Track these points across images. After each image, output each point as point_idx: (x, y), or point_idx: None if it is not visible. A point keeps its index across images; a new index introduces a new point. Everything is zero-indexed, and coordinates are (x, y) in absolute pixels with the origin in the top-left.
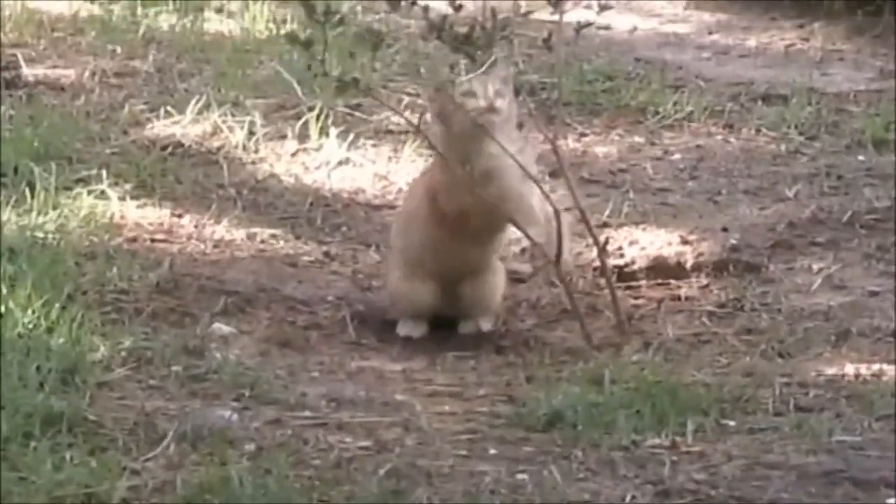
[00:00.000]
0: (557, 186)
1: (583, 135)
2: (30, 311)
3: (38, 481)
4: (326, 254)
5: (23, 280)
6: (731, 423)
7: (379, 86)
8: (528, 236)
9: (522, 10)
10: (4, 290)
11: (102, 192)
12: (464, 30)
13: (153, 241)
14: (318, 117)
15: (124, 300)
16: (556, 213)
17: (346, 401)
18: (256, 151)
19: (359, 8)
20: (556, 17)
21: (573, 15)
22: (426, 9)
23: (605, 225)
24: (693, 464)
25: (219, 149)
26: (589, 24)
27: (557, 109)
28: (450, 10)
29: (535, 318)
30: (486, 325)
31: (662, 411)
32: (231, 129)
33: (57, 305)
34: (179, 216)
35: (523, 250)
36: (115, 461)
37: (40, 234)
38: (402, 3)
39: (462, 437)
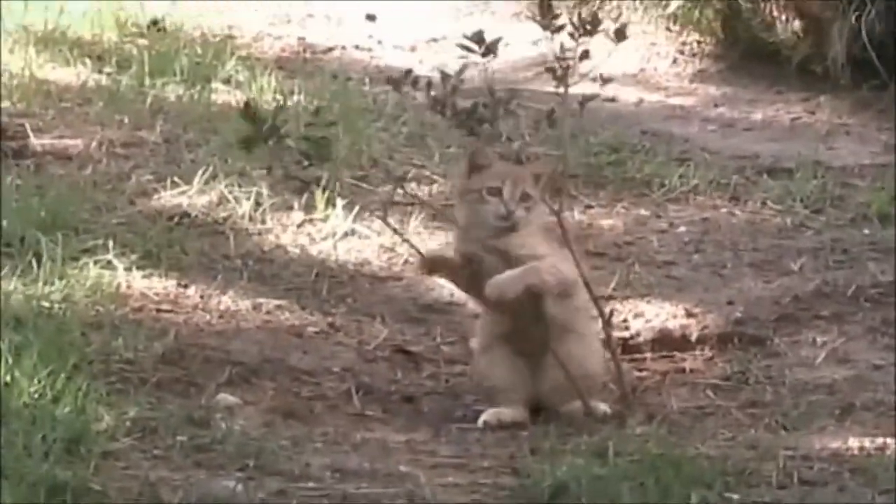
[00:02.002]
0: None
1: (588, 207)
2: (35, 381)
3: None
4: (331, 325)
5: (28, 349)
6: (735, 496)
7: (385, 157)
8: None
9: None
10: (10, 360)
11: (109, 262)
12: (467, 104)
13: (159, 311)
14: (323, 189)
15: (129, 370)
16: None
17: (351, 472)
18: (263, 222)
19: (367, 80)
20: (561, 90)
21: (579, 88)
22: (429, 84)
23: (611, 297)
24: None
25: (225, 219)
26: (594, 97)
27: (563, 182)
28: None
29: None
30: (599, 405)
31: (667, 484)
32: (237, 200)
33: (62, 375)
34: (185, 286)
35: None
36: None
37: (46, 304)
38: (405, 86)
39: None
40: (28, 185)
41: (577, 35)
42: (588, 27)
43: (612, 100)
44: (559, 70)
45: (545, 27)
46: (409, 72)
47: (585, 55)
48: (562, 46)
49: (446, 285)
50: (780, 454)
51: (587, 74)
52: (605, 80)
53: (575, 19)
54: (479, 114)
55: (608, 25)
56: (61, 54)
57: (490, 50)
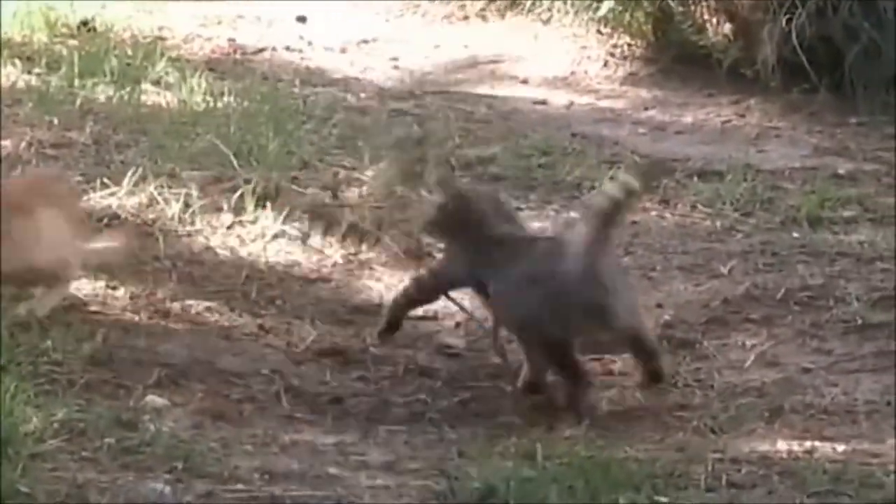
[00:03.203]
0: None
1: (518, 209)
2: None
3: None
4: (261, 326)
5: None
6: (664, 499)
7: (315, 159)
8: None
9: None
10: None
11: None
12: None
13: (88, 312)
14: (253, 190)
15: (58, 371)
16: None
17: (280, 474)
18: (192, 224)
19: (297, 81)
20: (492, 92)
21: (509, 90)
22: None
23: None
24: None
25: (154, 221)
26: (520, 99)
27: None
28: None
29: (468, 391)
30: None
31: (595, 487)
32: (167, 201)
33: None
34: (114, 288)
35: (457, 324)
36: None
37: None
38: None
39: None
40: None
41: None
42: None
43: (543, 102)
44: None
45: None
46: None
47: None
48: None
49: (375, 287)
50: (708, 457)
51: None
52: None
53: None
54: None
55: (538, 28)
56: None
57: None
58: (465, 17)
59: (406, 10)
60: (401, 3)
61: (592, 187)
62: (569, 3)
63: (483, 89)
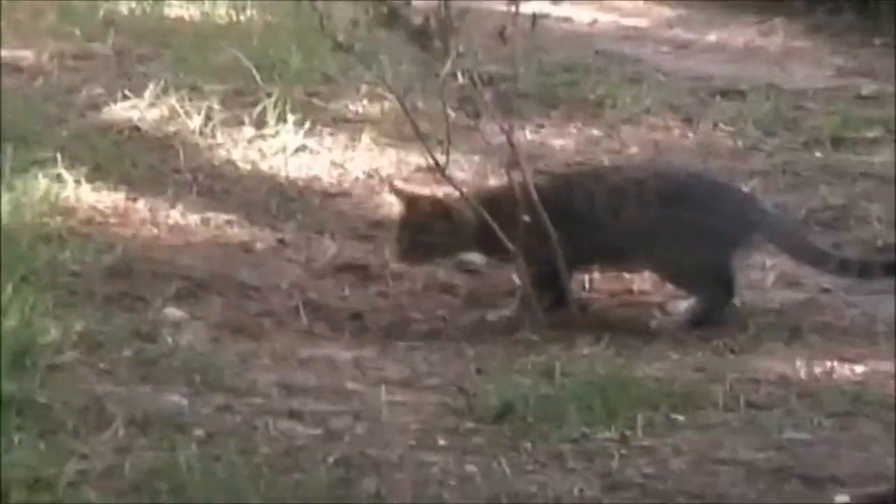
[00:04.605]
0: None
1: (540, 126)
2: None
3: None
4: (281, 241)
5: None
6: (681, 417)
7: (337, 75)
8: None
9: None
10: None
11: (58, 175)
12: (418, 21)
13: (107, 224)
14: (275, 104)
15: (77, 284)
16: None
17: (298, 388)
18: (213, 137)
19: None
20: (513, 9)
21: (534, 6)
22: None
23: None
24: (642, 458)
25: (175, 133)
26: (545, 16)
27: (513, 101)
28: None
29: (487, 308)
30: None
31: (612, 405)
32: (188, 114)
33: (10, 287)
34: (134, 200)
35: None
36: (64, 444)
37: None
38: None
39: (412, 427)
40: None
41: None
42: None
43: (567, 19)
44: None
45: None
46: None
47: None
48: None
49: (395, 203)
50: (727, 377)
51: None
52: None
53: None
54: (430, 31)
55: None
56: None
57: None
58: None
59: None
60: None
61: (615, 105)
62: None
63: (504, 5)
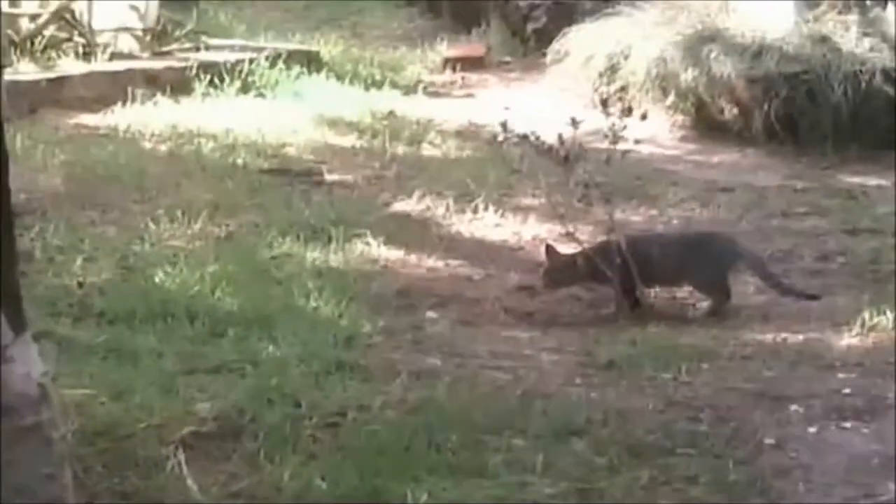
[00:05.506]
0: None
1: (623, 210)
2: None
3: None
4: (489, 274)
5: None
6: (705, 365)
7: (514, 183)
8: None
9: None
10: None
11: (367, 242)
12: (563, 152)
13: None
14: (484, 202)
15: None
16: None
17: (500, 353)
18: (451, 219)
19: None
20: (610, 146)
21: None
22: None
23: None
24: (685, 388)
25: (431, 216)
26: (629, 151)
27: (611, 197)
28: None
29: (599, 308)
30: None
31: (667, 358)
32: (436, 207)
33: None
34: (408, 254)
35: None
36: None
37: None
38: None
39: (560, 372)
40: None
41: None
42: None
43: (637, 150)
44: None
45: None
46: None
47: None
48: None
49: (545, 254)
50: (729, 342)
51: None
52: (638, 141)
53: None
54: (566, 157)
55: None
56: None
57: None
58: None
59: None
60: None
61: (664, 197)
62: (649, 95)
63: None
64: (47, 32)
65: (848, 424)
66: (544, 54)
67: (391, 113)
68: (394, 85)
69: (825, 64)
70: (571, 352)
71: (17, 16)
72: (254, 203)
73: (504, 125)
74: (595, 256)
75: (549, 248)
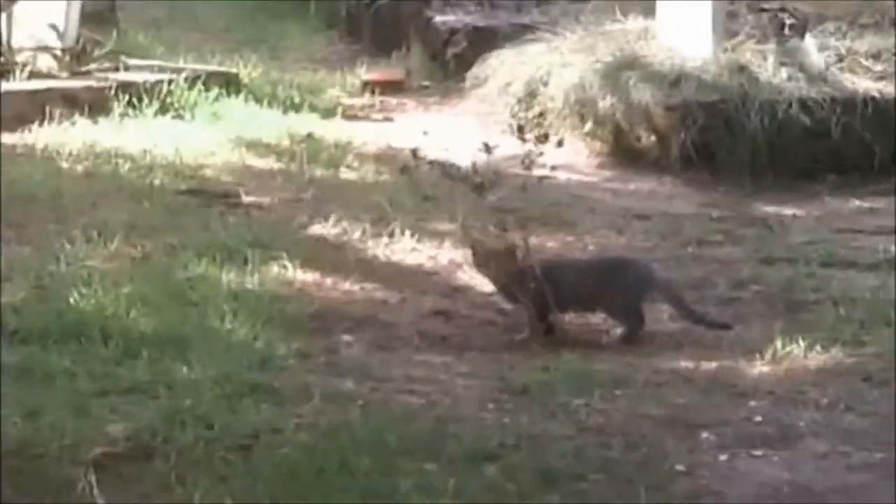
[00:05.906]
0: None
1: (538, 236)
2: None
3: None
4: (404, 298)
5: None
6: (618, 392)
7: (431, 208)
8: None
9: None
10: None
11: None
12: (477, 179)
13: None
14: (400, 227)
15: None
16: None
17: (412, 377)
18: (366, 243)
19: None
20: (526, 172)
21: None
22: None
23: None
24: (598, 414)
25: (347, 241)
26: (546, 177)
27: (527, 223)
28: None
29: (514, 333)
30: None
31: (581, 384)
32: (353, 230)
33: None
34: (323, 277)
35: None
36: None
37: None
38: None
39: (474, 397)
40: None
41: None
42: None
43: (553, 176)
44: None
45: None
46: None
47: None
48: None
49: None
50: (642, 368)
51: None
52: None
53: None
54: (481, 184)
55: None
56: None
57: None
58: None
59: None
60: None
61: (580, 224)
62: (567, 121)
63: (519, 170)
64: None
65: (759, 452)
66: (464, 79)
67: (309, 136)
68: (312, 108)
69: (743, 93)
70: (485, 377)
71: None
72: (170, 224)
73: (415, 152)
74: (510, 281)
75: (474, 243)
